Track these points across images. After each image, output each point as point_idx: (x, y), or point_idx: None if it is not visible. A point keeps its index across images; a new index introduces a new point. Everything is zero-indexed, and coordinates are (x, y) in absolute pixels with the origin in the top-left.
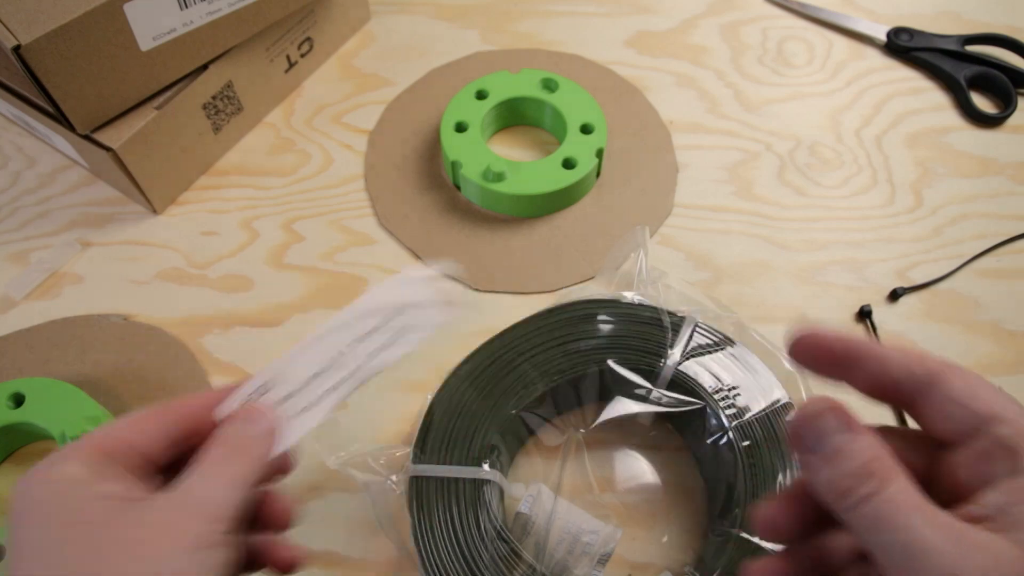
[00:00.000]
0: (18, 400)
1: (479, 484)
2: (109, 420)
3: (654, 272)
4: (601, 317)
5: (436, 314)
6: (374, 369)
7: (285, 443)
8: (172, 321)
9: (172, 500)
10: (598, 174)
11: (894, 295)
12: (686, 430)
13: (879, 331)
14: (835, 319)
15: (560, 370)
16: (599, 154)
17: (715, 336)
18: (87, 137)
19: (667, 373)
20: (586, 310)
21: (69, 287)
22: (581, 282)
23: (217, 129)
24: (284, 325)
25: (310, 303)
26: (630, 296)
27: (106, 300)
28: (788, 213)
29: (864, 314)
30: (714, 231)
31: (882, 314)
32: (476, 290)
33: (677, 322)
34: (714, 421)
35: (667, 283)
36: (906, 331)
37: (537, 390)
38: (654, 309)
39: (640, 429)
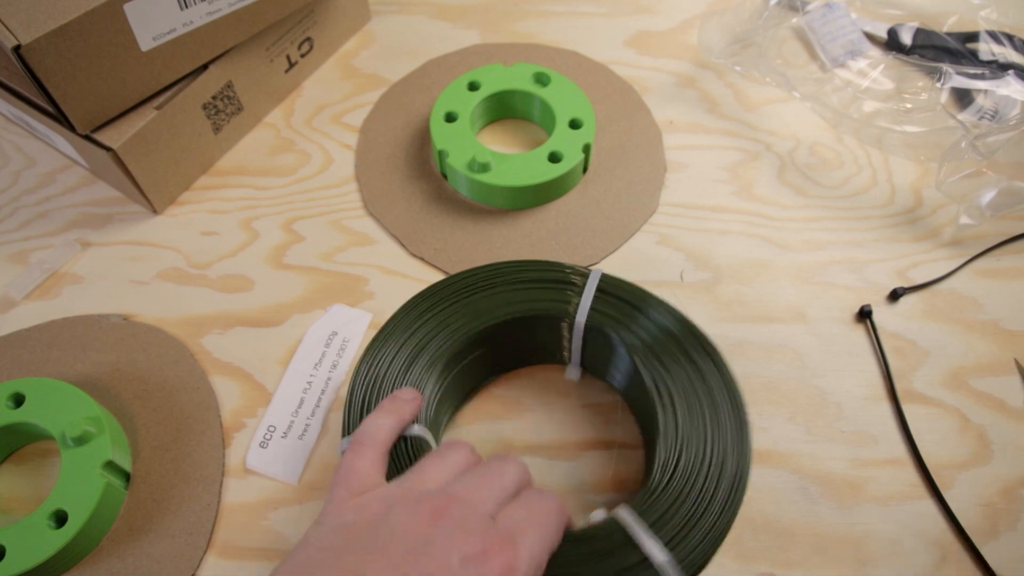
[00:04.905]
0: (18, 400)
1: (408, 441)
2: (111, 420)
3: None
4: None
5: (358, 326)
6: (338, 380)
7: (296, 467)
8: (172, 321)
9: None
10: (585, 169)
11: (894, 295)
12: (608, 374)
13: (879, 331)
14: (835, 319)
15: (466, 327)
16: (586, 149)
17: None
18: (87, 137)
19: (580, 321)
20: (495, 271)
21: (69, 287)
22: None
23: (217, 129)
24: (284, 325)
25: (310, 303)
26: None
27: (106, 300)
28: (788, 213)
29: (864, 314)
30: (714, 231)
31: (882, 314)
32: None
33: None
34: (622, 350)
35: None
36: (906, 331)
37: (455, 343)
38: (559, 266)
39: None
